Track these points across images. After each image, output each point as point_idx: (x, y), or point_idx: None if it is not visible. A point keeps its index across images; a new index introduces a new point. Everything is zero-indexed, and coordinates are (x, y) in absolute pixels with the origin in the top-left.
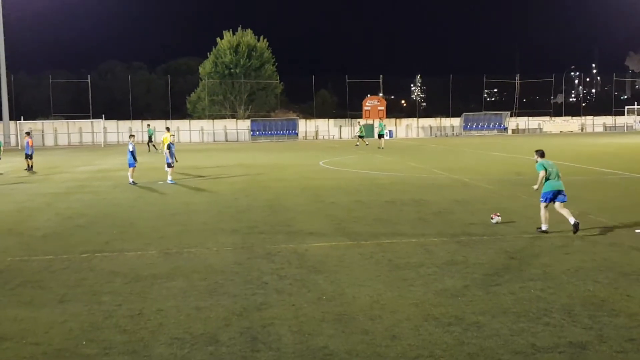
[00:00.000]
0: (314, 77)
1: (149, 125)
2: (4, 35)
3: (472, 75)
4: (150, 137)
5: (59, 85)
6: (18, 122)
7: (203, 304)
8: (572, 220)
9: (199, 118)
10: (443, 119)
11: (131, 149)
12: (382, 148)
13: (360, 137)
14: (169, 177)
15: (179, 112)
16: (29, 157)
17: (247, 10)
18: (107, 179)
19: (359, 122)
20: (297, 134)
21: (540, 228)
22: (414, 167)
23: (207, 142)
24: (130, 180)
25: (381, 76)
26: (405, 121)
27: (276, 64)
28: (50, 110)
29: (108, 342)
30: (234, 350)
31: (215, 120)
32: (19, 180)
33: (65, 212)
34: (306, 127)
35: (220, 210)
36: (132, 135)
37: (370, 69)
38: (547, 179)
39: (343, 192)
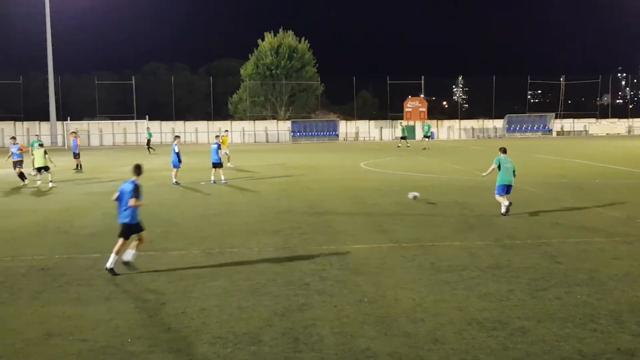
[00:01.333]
0: (355, 79)
1: (148, 128)
2: (52, 37)
3: (516, 76)
4: (148, 140)
5: (104, 86)
6: (65, 122)
7: (245, 303)
8: (506, 203)
9: (241, 119)
10: (485, 121)
11: (177, 150)
12: (427, 149)
13: (402, 138)
14: (223, 177)
15: (221, 113)
16: (76, 156)
17: (288, 11)
18: (150, 179)
19: (400, 123)
20: (337, 135)
21: (503, 211)
22: (456, 169)
23: (248, 143)
24: (174, 180)
25: (422, 77)
26: (447, 123)
27: (317, 65)
28: (96, 111)
29: (153, 340)
30: (277, 351)
31: (256, 121)
32: (67, 178)
33: (111, 211)
34: (346, 128)
35: (262, 210)
36: (177, 137)
37: (411, 70)
38: (500, 171)
39: (384, 194)
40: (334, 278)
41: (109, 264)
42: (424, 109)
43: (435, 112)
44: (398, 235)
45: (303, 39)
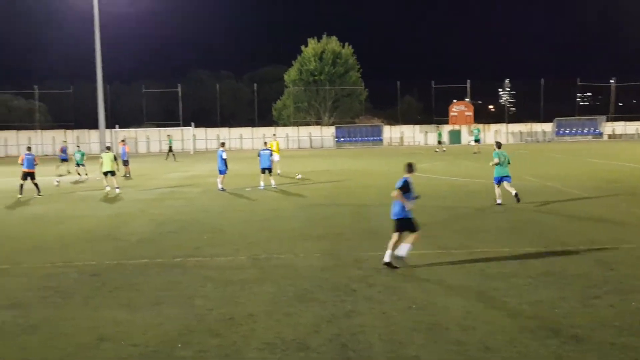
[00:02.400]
0: (399, 83)
1: (169, 135)
2: (101, 47)
3: (565, 78)
4: (170, 147)
5: (151, 94)
6: (113, 130)
7: (292, 309)
8: (513, 192)
9: (284, 125)
10: (534, 124)
11: (224, 157)
12: (477, 153)
13: (439, 142)
14: (272, 181)
15: (265, 119)
16: (125, 163)
17: (332, 17)
18: (196, 185)
19: (437, 127)
20: (381, 140)
21: (497, 202)
22: None
23: (292, 149)
24: (220, 186)
25: (468, 81)
26: (493, 127)
27: (361, 70)
28: (143, 118)
29: (202, 345)
30: (325, 357)
31: (300, 127)
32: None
33: (158, 217)
34: (391, 133)
35: (307, 216)
36: (223, 143)
37: (456, 73)
38: (498, 165)
39: (431, 199)
40: (382, 284)
41: (386, 258)
42: (470, 113)
43: (482, 116)
44: (445, 242)
45: (347, 44)
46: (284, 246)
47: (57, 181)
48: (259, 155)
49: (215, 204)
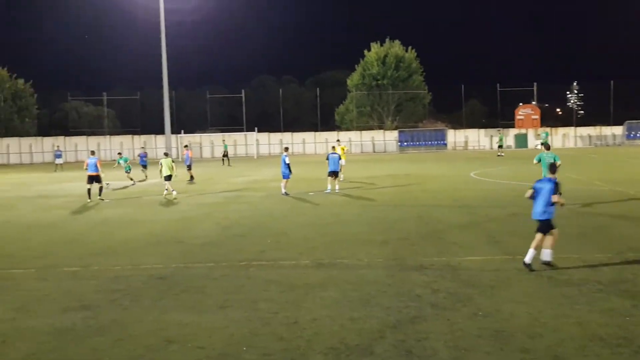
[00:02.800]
0: (464, 86)
1: (224, 140)
2: (166, 54)
3: (635, 80)
4: (225, 152)
5: (215, 99)
6: (178, 135)
7: (357, 314)
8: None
9: (347, 129)
10: (603, 128)
11: (287, 161)
12: (502, 156)
13: (499, 146)
14: (337, 186)
15: (328, 123)
16: (189, 168)
17: (395, 22)
18: (260, 189)
19: (499, 131)
20: (445, 145)
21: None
22: (572, 178)
23: (354, 154)
24: (283, 191)
25: (535, 84)
26: (561, 130)
27: (424, 73)
28: (207, 123)
29: (267, 349)
30: None
31: (362, 132)
32: (181, 190)
33: (223, 221)
34: (455, 137)
35: (371, 221)
36: (286, 148)
37: (522, 76)
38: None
39: (496, 204)
40: (446, 290)
41: (527, 259)
42: (537, 117)
43: (549, 119)
44: (512, 247)
45: (410, 47)
46: (347, 251)
47: (107, 183)
48: (327, 159)
49: (279, 208)
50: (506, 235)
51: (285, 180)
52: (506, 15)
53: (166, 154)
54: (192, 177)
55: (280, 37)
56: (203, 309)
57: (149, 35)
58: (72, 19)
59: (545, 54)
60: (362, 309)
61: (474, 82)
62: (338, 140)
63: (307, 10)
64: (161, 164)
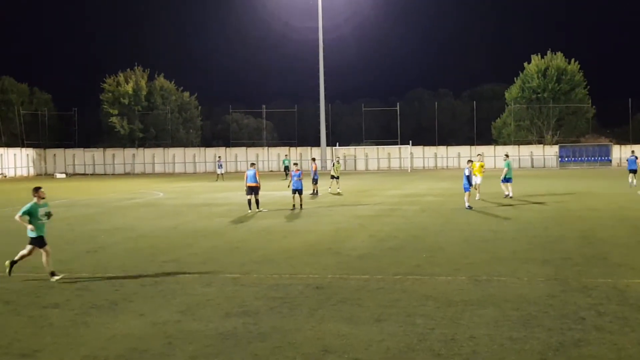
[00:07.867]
0: (631, 100)
1: (286, 155)
2: (324, 68)
3: None
4: (286, 167)
5: (370, 113)
6: (333, 147)
7: (517, 334)
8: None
9: (504, 144)
10: None
11: (467, 174)
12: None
13: None
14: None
15: (484, 137)
16: (314, 182)
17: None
18: (414, 203)
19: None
20: (610, 161)
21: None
22: None
23: (513, 169)
24: (467, 204)
25: None
26: None
27: (588, 87)
28: (362, 136)
29: None
30: None
31: (520, 146)
32: (333, 203)
33: (377, 234)
34: (621, 153)
35: (530, 239)
36: (470, 161)
37: None
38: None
39: None
40: (613, 314)
41: None
42: None
43: None
44: None
45: (573, 60)
46: (505, 268)
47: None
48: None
49: (433, 222)
50: None
51: (467, 193)
52: None
53: (252, 164)
54: (315, 191)
55: (433, 52)
56: (359, 321)
57: (306, 50)
58: (237, 38)
59: None
60: (523, 329)
61: None
62: (479, 155)
63: (462, 23)
64: (247, 174)
